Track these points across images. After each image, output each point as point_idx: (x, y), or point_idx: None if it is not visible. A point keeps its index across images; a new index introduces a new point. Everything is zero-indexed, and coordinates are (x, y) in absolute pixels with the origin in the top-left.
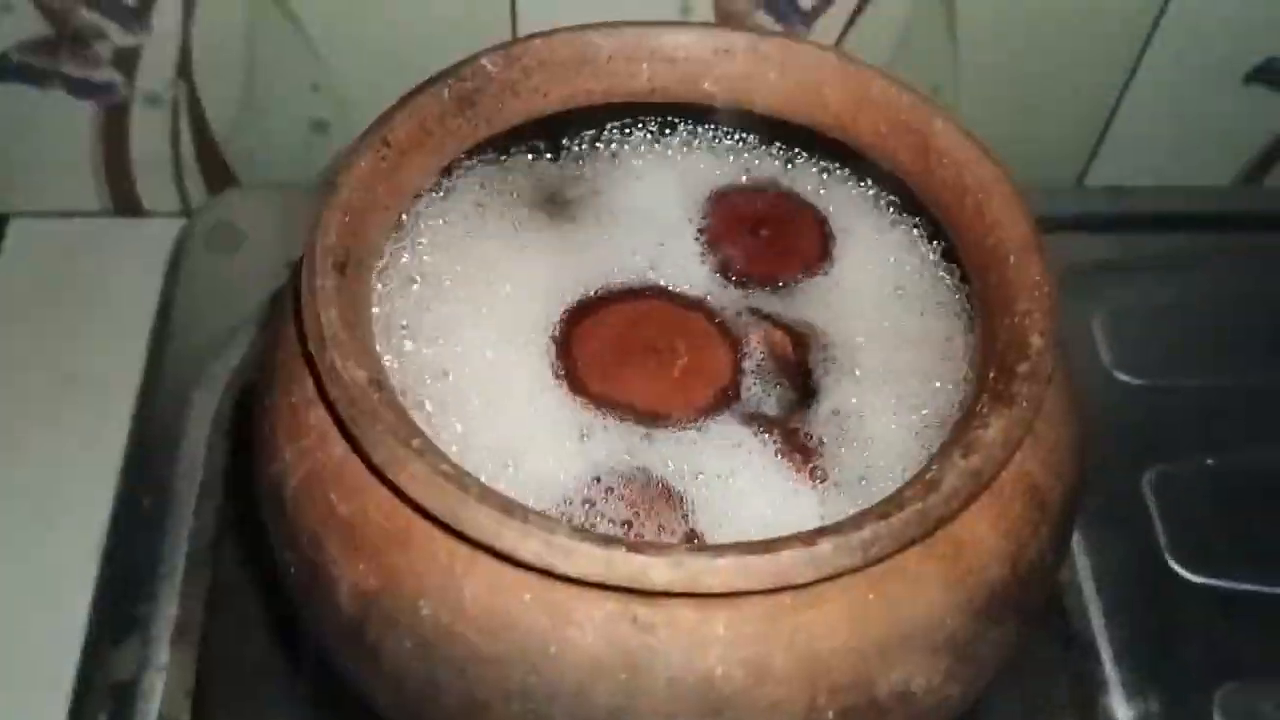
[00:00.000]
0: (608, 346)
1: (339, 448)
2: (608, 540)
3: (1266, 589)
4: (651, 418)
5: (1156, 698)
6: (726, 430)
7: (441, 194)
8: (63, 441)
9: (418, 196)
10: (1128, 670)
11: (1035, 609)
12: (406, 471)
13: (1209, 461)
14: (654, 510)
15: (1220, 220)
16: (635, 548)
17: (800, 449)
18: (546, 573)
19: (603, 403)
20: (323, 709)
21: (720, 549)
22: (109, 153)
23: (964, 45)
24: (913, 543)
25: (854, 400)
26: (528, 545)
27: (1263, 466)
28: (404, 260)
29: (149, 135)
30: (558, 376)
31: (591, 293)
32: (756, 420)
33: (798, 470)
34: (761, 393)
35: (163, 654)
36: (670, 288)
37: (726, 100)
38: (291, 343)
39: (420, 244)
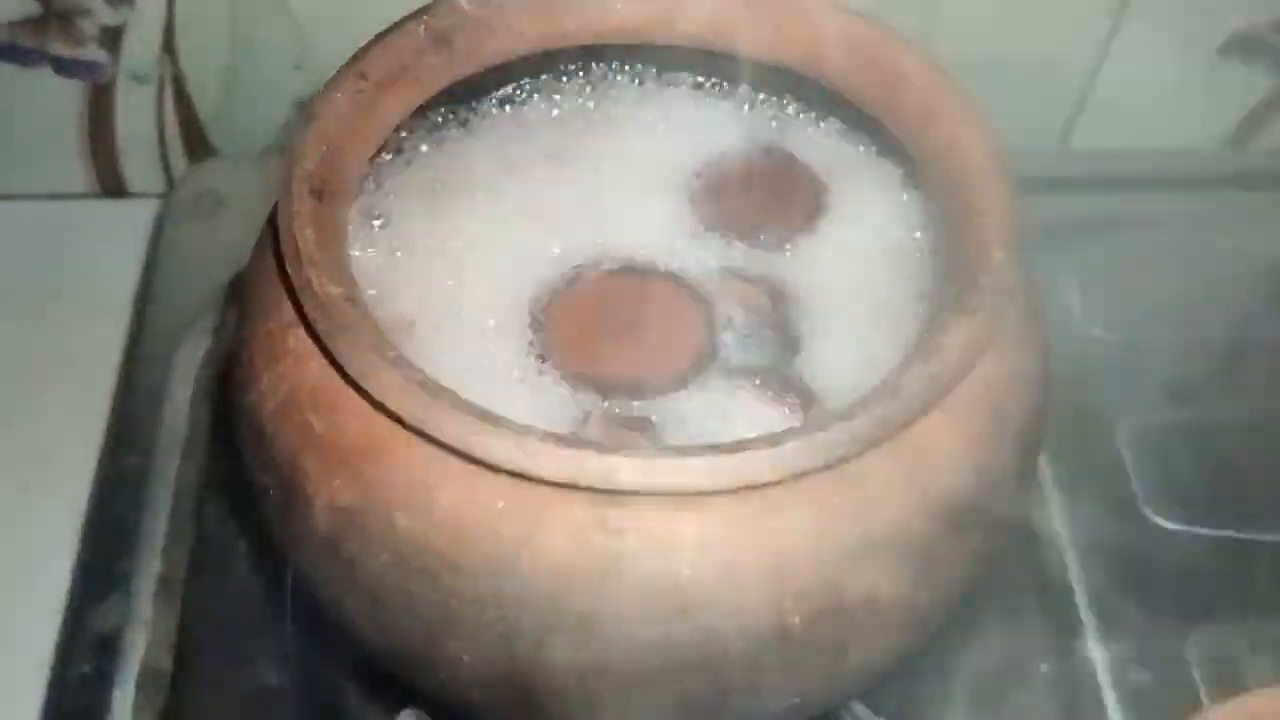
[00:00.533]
0: (583, 327)
1: (315, 367)
2: (578, 442)
3: (1239, 535)
4: (636, 388)
5: (1132, 640)
6: (712, 386)
7: (417, 136)
8: (46, 418)
9: (397, 132)
10: (1103, 614)
11: (999, 524)
12: (381, 381)
13: (1183, 414)
14: None
15: (1195, 181)
16: (605, 449)
17: (787, 395)
18: (518, 476)
19: (584, 380)
20: (305, 663)
21: (687, 450)
22: (94, 132)
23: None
24: (875, 445)
25: (839, 348)
26: (500, 447)
27: (1234, 418)
28: (377, 202)
29: (134, 114)
30: (537, 357)
31: (561, 273)
32: (740, 374)
33: (788, 413)
34: (741, 350)
35: (146, 608)
36: (637, 258)
37: (701, 40)
38: (269, 270)
39: (393, 188)
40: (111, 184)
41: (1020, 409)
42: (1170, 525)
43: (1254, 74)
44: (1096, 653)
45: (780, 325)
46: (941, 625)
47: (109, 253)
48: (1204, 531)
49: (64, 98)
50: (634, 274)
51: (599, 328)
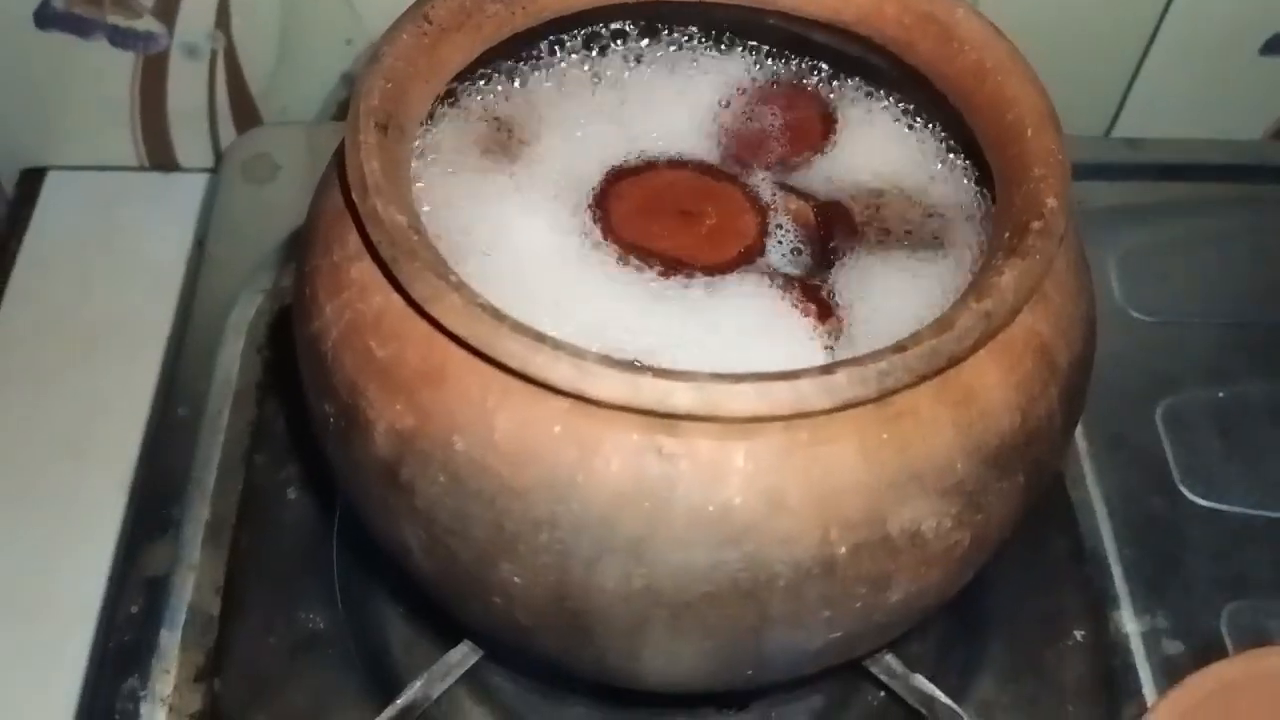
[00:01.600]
0: (640, 206)
1: (379, 296)
2: (635, 367)
3: (1271, 513)
4: (677, 264)
5: (1165, 613)
6: (750, 280)
7: (478, 81)
8: (101, 375)
9: (460, 77)
10: (1138, 586)
11: (1042, 469)
12: (444, 303)
13: (1219, 394)
14: None
15: (1231, 171)
16: (661, 373)
17: (819, 303)
18: (576, 398)
19: (633, 249)
20: (353, 607)
21: (740, 377)
22: (145, 105)
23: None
24: (924, 379)
25: (873, 269)
26: (558, 369)
27: (1270, 399)
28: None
29: (186, 87)
30: (594, 224)
31: (630, 159)
32: (777, 277)
33: (816, 323)
34: (783, 256)
35: (194, 552)
36: (706, 159)
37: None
38: (335, 203)
39: (453, 126)
40: (161, 157)
41: (1067, 355)
42: (1204, 502)
43: None
44: (1130, 624)
45: (823, 240)
46: (982, 566)
47: (161, 222)
48: (1238, 509)
49: (118, 69)
50: (696, 170)
51: (656, 213)
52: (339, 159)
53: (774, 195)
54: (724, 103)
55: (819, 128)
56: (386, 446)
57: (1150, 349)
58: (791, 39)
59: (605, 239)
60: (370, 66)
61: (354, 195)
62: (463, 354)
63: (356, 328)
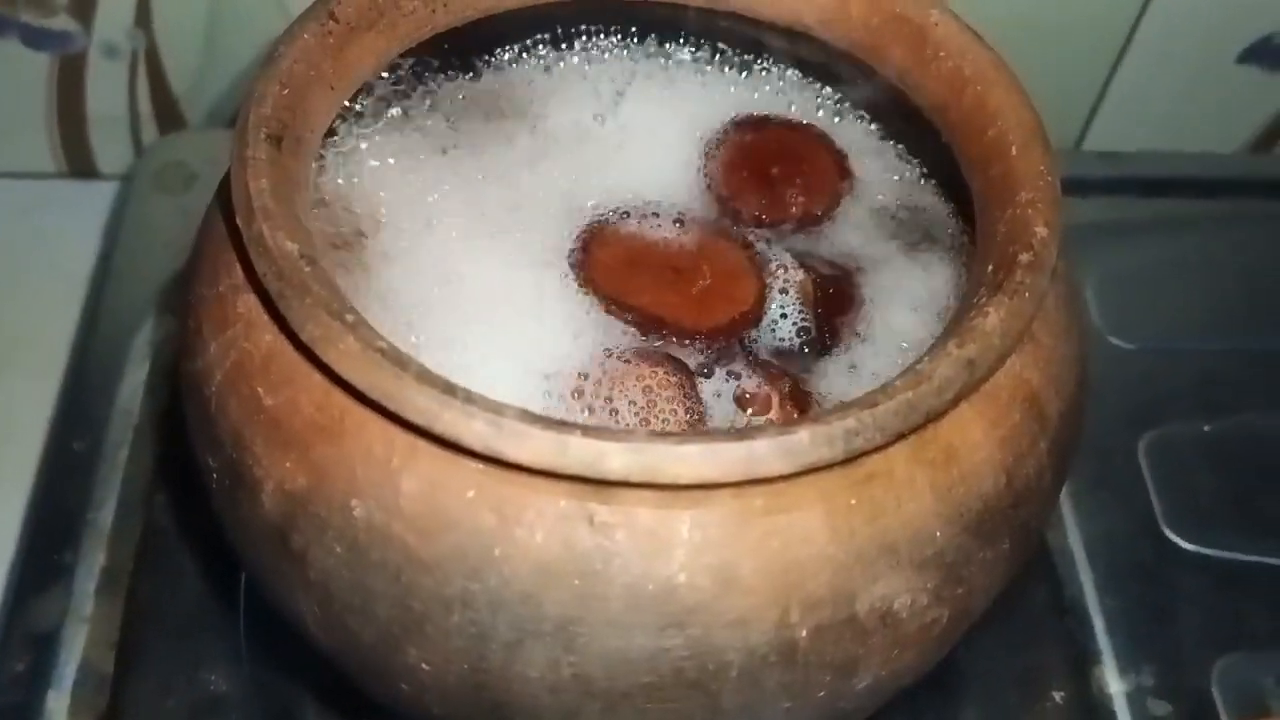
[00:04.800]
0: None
1: (267, 335)
2: (561, 424)
3: (1266, 559)
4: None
5: (1151, 670)
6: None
7: (398, 85)
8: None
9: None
10: (1121, 641)
11: (1030, 533)
12: (338, 348)
13: (1205, 428)
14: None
15: (1215, 186)
16: (592, 432)
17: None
18: (493, 461)
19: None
20: (256, 663)
21: (685, 436)
22: (63, 109)
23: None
24: (900, 438)
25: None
26: (472, 428)
27: (1260, 432)
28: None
29: (105, 90)
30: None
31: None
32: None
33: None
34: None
35: (87, 604)
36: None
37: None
38: (220, 228)
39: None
40: (80, 163)
41: (1057, 404)
42: (1192, 547)
43: (1274, 83)
44: (1114, 683)
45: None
46: (958, 643)
47: (74, 233)
48: (1228, 555)
49: (32, 71)
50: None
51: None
52: (225, 176)
53: (779, 263)
54: (708, 149)
55: (829, 185)
56: (276, 509)
57: (1131, 379)
58: (746, 44)
59: (583, 286)
60: (264, 70)
61: (239, 219)
62: (362, 406)
63: (243, 370)
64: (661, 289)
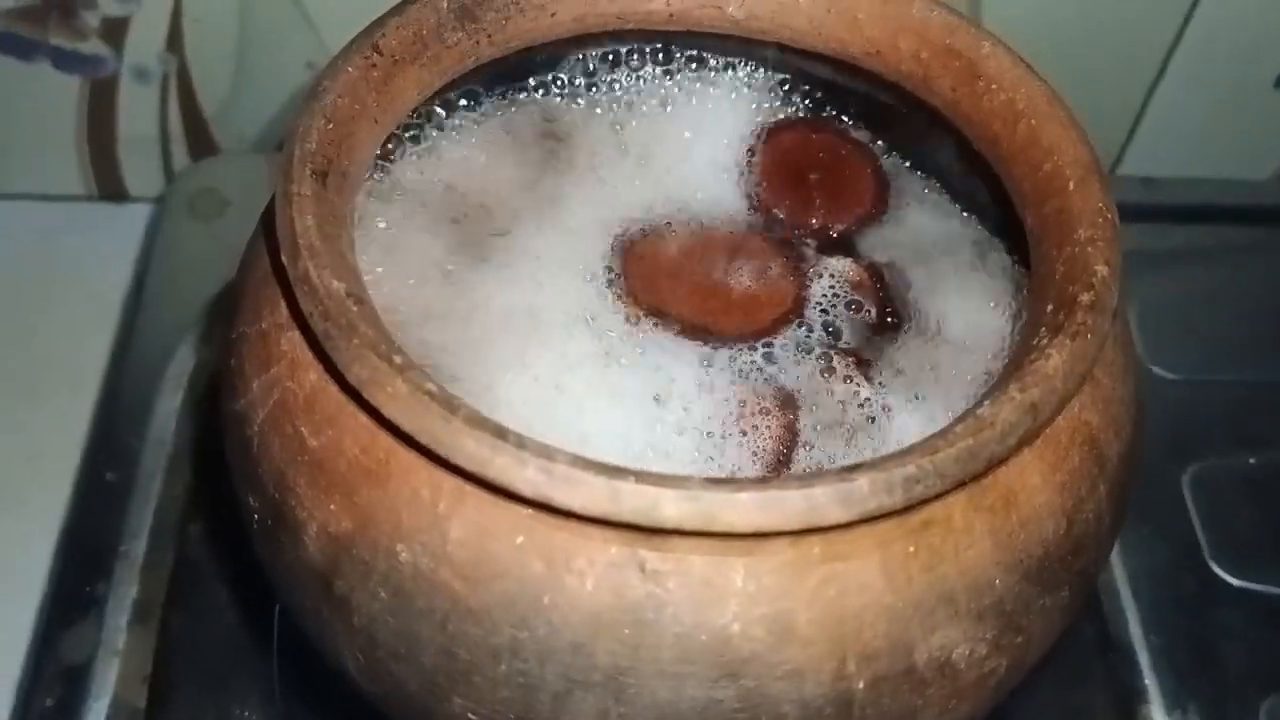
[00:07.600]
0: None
1: (312, 374)
2: (614, 470)
3: None
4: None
5: (1197, 709)
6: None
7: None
8: (27, 430)
9: (416, 114)
10: (1167, 679)
11: (1088, 579)
12: (385, 391)
13: (1250, 460)
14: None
15: (1255, 214)
16: (645, 478)
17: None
18: (543, 507)
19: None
20: (290, 699)
21: (741, 483)
22: (94, 132)
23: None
24: (960, 485)
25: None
26: (523, 474)
27: None
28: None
29: (136, 113)
30: (614, 296)
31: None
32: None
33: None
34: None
35: (119, 637)
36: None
37: (752, 28)
38: (264, 264)
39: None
40: (110, 187)
41: (1116, 446)
42: (1238, 582)
43: None
44: None
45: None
46: (1014, 690)
47: (105, 258)
48: (1276, 590)
49: (63, 94)
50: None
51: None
52: (269, 211)
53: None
54: (746, 157)
55: (867, 196)
56: (319, 552)
57: (1175, 410)
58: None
59: (623, 302)
60: (308, 104)
61: (284, 256)
62: (409, 450)
63: (286, 409)
64: (702, 296)
